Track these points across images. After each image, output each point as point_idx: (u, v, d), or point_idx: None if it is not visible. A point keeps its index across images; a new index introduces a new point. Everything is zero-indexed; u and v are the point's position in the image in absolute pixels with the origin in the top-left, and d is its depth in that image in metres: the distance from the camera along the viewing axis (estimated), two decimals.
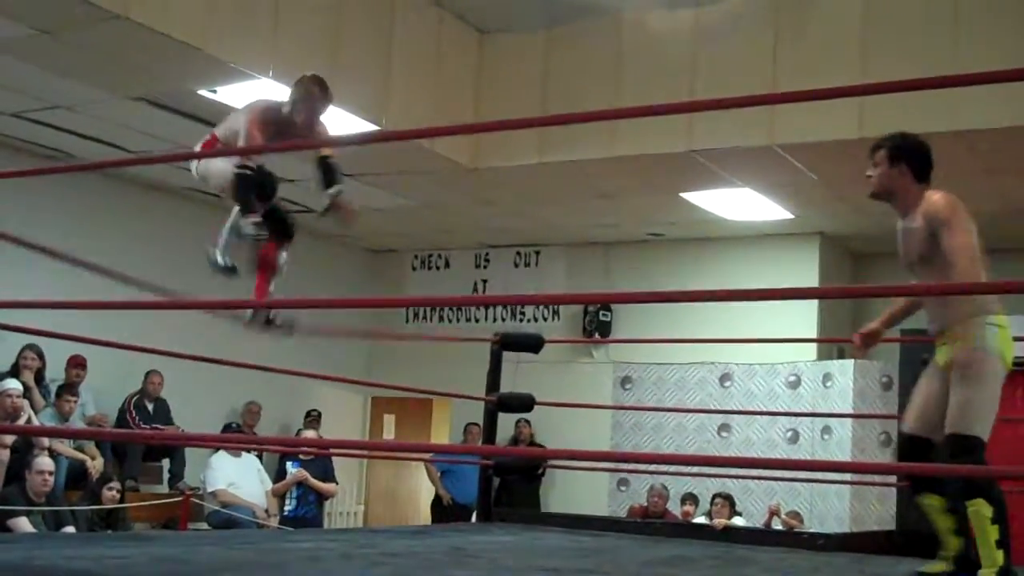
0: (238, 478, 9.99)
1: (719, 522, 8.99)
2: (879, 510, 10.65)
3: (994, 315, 4.29)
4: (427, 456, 11.12)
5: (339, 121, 8.14)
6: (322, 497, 10.44)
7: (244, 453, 10.18)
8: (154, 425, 10.03)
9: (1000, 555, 3.75)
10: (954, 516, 4.13)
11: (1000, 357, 4.22)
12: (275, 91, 7.21)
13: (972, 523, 3.87)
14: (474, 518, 8.28)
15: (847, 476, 9.98)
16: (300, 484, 10.19)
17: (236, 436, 10.25)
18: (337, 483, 10.67)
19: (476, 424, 12.06)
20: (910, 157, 4.59)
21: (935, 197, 4.45)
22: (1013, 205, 10.26)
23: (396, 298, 13.63)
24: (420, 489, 13.46)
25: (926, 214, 4.41)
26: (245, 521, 9.53)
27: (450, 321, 13.67)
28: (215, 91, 8.21)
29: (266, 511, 9.94)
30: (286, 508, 10.23)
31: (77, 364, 9.69)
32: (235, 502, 9.75)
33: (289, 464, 10.25)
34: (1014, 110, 7.95)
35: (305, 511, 10.17)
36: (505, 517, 7.14)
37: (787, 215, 11.13)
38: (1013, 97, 7.59)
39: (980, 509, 3.86)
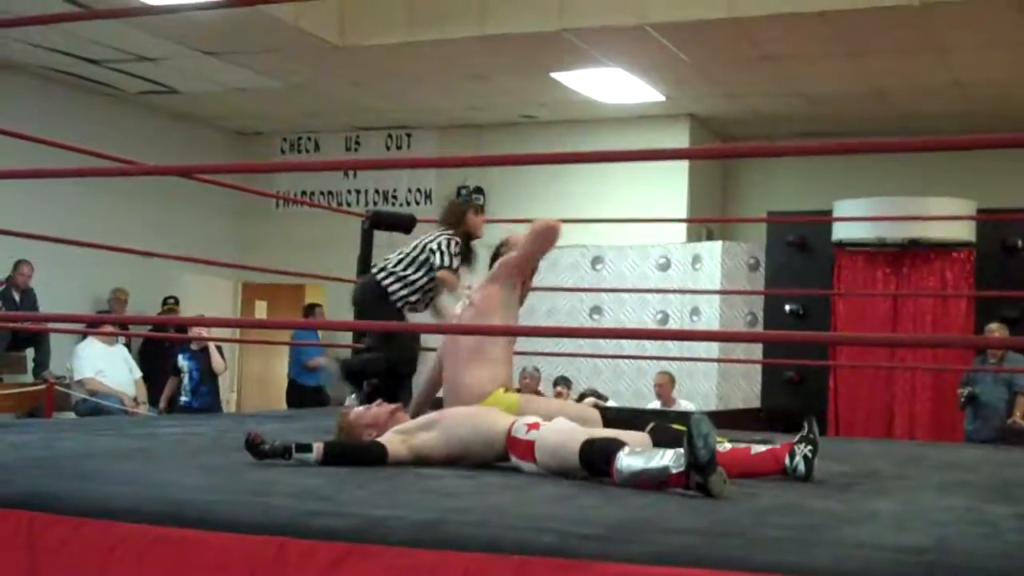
0: (106, 366, 9.74)
1: (589, 401, 9.12)
2: (745, 388, 10.92)
3: None
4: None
5: None
6: (215, 385, 10.17)
7: (115, 342, 9.91)
8: None
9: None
10: None
11: None
12: None
13: None
14: (348, 401, 8.24)
15: (715, 355, 10.20)
16: (190, 373, 9.92)
17: (104, 316, 9.94)
18: (225, 361, 10.37)
19: (319, 304, 12.04)
20: None
21: None
22: (874, 86, 10.46)
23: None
24: None
25: None
26: (113, 410, 9.35)
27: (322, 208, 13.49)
28: None
29: (135, 399, 9.74)
30: (181, 400, 9.99)
31: None
32: (103, 390, 9.53)
33: (180, 357, 9.98)
34: None
35: (200, 402, 9.90)
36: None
37: (658, 97, 11.16)
38: None
39: None
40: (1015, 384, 8.83)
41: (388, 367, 5.66)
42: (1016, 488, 3.78)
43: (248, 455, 3.58)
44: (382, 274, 5.69)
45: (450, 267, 5.56)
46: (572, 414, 4.15)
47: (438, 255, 5.58)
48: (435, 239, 5.64)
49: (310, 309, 12.28)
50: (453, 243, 5.61)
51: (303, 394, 11.55)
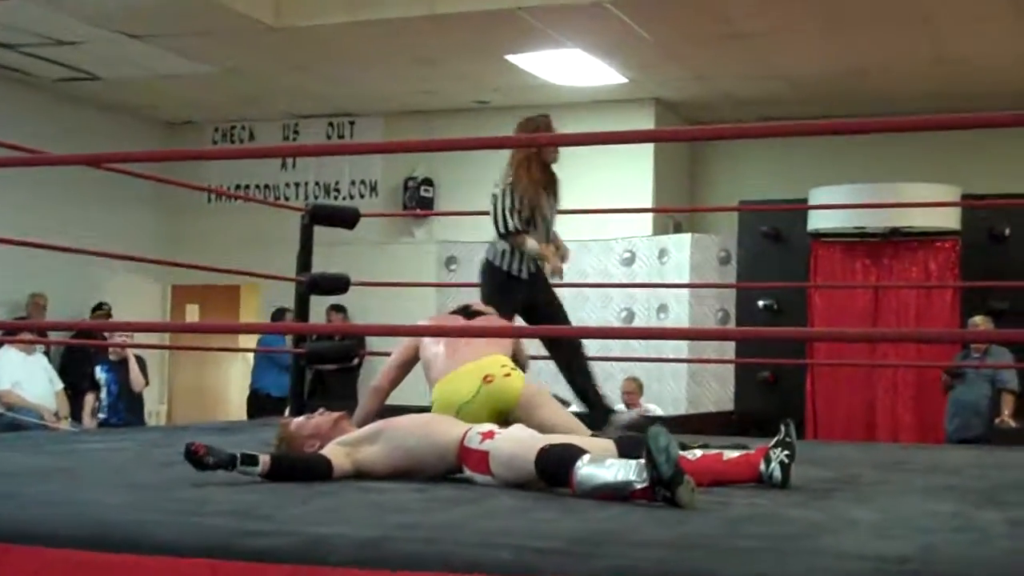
0: (24, 377, 9.61)
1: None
2: (716, 390, 10.95)
3: None
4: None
5: None
6: (133, 402, 10.01)
7: (34, 351, 9.77)
8: None
9: None
10: None
11: None
12: None
13: None
14: (287, 413, 8.20)
15: (684, 354, 10.22)
16: (108, 387, 9.76)
17: (22, 323, 9.81)
18: (146, 377, 10.17)
19: (289, 309, 11.88)
20: None
21: None
22: (855, 66, 10.51)
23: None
24: (228, 383, 13.30)
25: None
26: (32, 425, 9.23)
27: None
28: None
29: (55, 414, 9.61)
30: (99, 416, 9.86)
31: None
32: (21, 404, 9.42)
33: (98, 369, 9.84)
34: None
35: (118, 418, 9.73)
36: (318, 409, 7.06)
37: (620, 79, 11.18)
38: None
39: None
40: (998, 380, 8.89)
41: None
42: (1005, 491, 3.81)
43: (182, 470, 3.54)
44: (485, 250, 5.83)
45: (504, 223, 5.68)
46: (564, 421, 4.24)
47: (492, 213, 5.74)
48: (492, 193, 5.81)
49: (279, 314, 12.16)
50: (502, 197, 5.74)
51: (265, 404, 11.46)
